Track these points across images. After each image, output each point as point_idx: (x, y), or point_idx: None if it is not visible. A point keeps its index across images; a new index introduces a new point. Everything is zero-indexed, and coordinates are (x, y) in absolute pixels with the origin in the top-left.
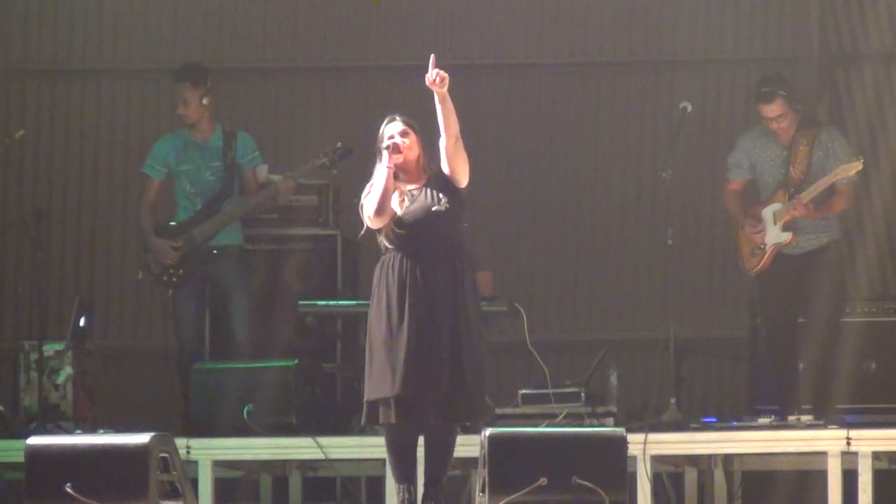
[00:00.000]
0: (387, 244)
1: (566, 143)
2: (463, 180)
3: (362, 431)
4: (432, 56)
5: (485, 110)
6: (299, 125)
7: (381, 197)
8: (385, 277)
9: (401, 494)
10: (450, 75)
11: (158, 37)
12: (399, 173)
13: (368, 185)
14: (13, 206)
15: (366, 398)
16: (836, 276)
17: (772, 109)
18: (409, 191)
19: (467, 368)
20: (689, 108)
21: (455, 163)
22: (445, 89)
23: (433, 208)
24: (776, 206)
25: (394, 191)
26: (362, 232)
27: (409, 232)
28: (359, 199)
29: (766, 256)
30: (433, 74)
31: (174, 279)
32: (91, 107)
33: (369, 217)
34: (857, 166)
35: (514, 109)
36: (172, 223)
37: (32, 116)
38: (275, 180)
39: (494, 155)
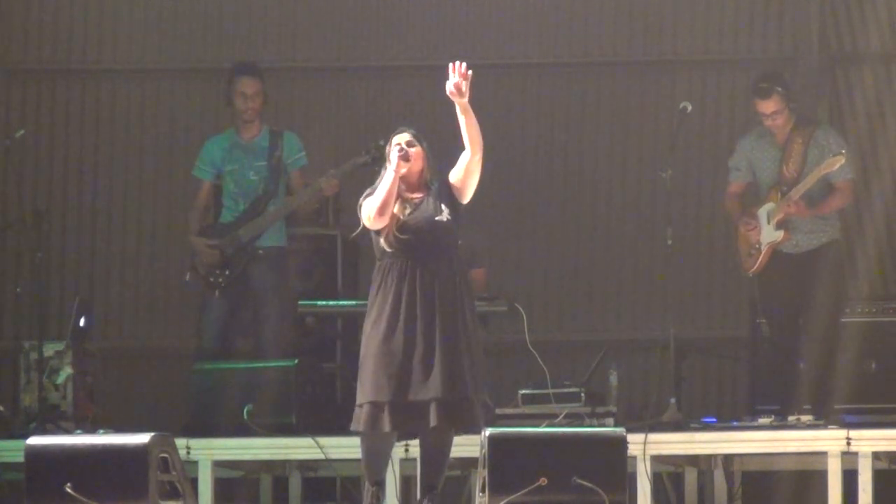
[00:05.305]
0: (387, 248)
1: (566, 142)
2: (467, 197)
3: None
4: (452, 64)
5: (485, 110)
6: (299, 125)
7: (385, 197)
8: (384, 283)
9: (368, 498)
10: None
11: (158, 37)
12: (401, 183)
13: (369, 188)
14: (13, 206)
15: (358, 402)
16: (835, 275)
17: (767, 105)
18: (412, 198)
19: (468, 375)
20: (689, 108)
21: (470, 178)
22: (466, 99)
23: (436, 217)
24: (770, 205)
25: (397, 197)
26: (357, 231)
27: (411, 237)
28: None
29: (762, 256)
30: (455, 78)
31: (220, 280)
32: (91, 107)
33: (369, 217)
34: (839, 160)
35: (514, 109)
36: (217, 223)
37: (32, 116)
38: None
39: (494, 155)
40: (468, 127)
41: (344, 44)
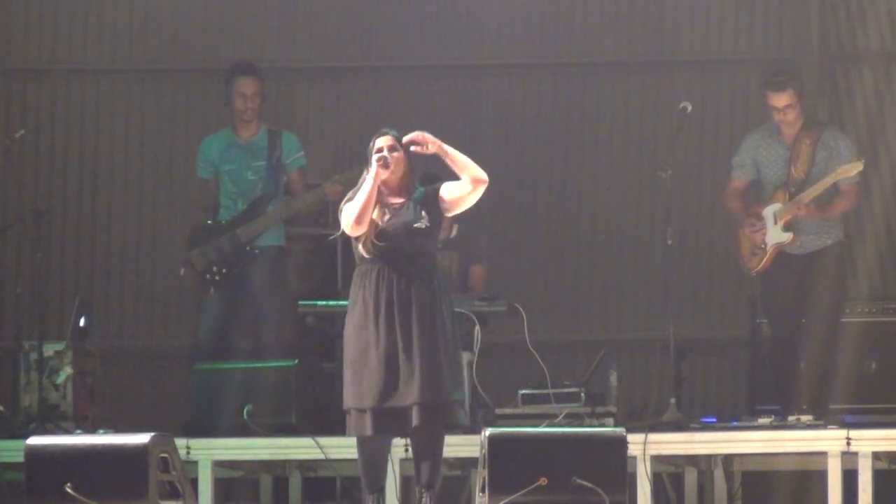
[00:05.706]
0: (364, 254)
1: (566, 142)
2: (453, 214)
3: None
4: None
5: (485, 110)
6: (299, 125)
7: (363, 206)
8: (363, 288)
9: None
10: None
11: (158, 37)
12: (382, 187)
13: (352, 191)
14: (13, 206)
15: (344, 407)
16: (838, 276)
17: (781, 98)
18: (392, 204)
19: (447, 379)
20: (689, 108)
21: (462, 204)
22: (434, 147)
23: (414, 224)
24: (776, 205)
25: (376, 202)
26: (337, 234)
27: (388, 244)
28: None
29: (767, 256)
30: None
31: (217, 277)
32: (91, 107)
33: (348, 224)
34: (857, 166)
35: (514, 109)
36: (215, 223)
37: (32, 116)
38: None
39: (494, 155)
40: (455, 168)
41: (344, 44)
